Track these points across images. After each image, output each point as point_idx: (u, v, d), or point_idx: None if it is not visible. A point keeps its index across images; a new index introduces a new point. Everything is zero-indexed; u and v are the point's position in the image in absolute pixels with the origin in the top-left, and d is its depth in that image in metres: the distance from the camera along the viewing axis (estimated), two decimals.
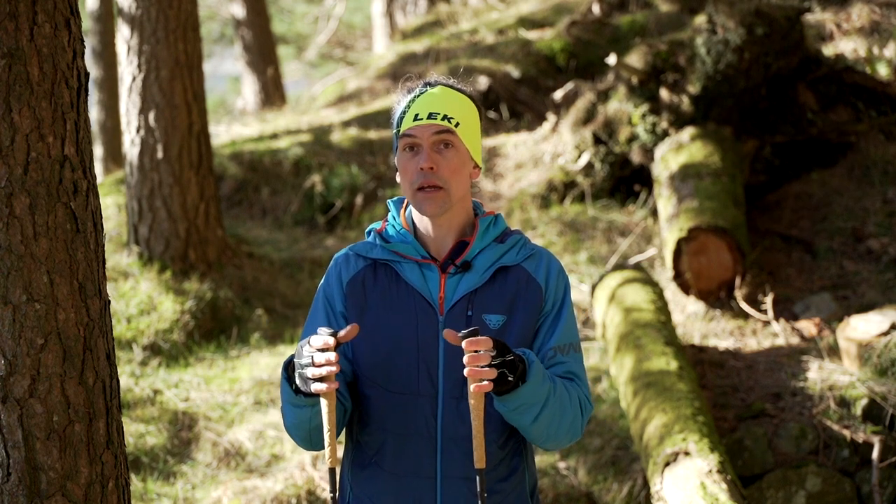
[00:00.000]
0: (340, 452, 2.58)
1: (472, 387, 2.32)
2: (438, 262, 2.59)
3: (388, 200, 2.70)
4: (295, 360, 2.41)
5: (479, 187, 8.81)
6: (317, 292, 2.68)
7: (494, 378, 2.32)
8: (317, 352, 2.34)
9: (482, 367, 2.31)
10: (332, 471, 2.40)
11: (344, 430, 2.68)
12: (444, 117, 2.54)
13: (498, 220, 2.65)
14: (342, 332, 2.35)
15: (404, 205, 2.68)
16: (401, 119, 2.59)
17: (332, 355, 2.33)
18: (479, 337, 2.31)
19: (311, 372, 2.34)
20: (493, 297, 2.56)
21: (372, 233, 2.66)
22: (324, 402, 2.39)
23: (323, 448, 2.51)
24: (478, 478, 2.38)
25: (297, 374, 2.40)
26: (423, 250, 2.59)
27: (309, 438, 2.55)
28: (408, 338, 2.54)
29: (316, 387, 2.34)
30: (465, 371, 2.32)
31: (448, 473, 2.54)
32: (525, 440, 2.66)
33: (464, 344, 2.31)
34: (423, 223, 2.60)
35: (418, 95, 2.59)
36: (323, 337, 2.34)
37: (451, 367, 2.52)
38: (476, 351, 2.31)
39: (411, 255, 2.58)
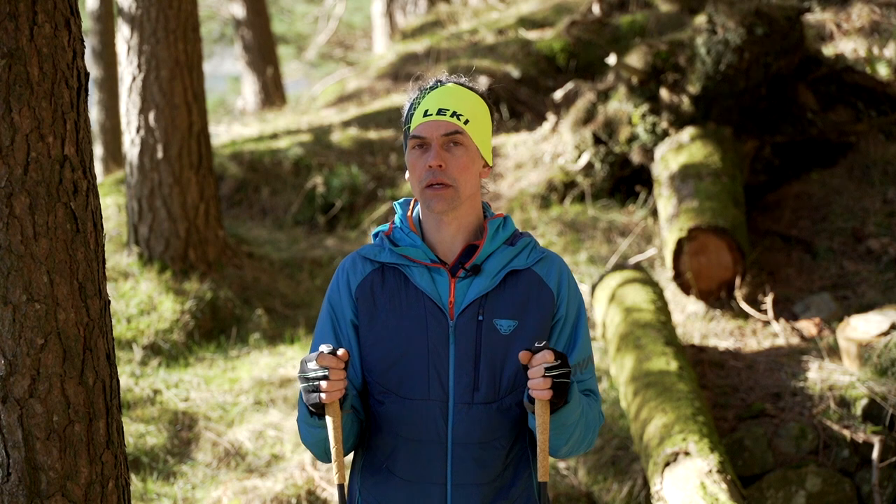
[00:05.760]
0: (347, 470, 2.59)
1: (533, 394, 2.37)
2: (448, 266, 2.56)
3: (395, 202, 2.67)
4: (299, 374, 2.42)
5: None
6: (324, 300, 2.66)
7: (553, 388, 2.36)
8: (323, 367, 2.37)
9: (541, 377, 2.36)
10: (340, 486, 2.42)
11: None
12: (454, 114, 2.52)
13: (507, 222, 2.61)
14: (340, 352, 2.37)
15: (411, 206, 2.66)
16: (410, 115, 2.58)
17: (341, 372, 2.37)
18: (542, 353, 2.36)
19: (323, 384, 2.37)
20: (504, 302, 2.54)
21: (379, 235, 2.63)
22: (329, 419, 2.40)
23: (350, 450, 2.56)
24: (540, 490, 2.43)
25: (301, 388, 2.42)
26: (433, 254, 2.56)
27: (328, 454, 2.56)
28: (418, 343, 2.52)
29: (323, 397, 2.37)
30: (529, 382, 2.37)
31: (458, 480, 2.53)
32: (531, 444, 2.65)
33: (531, 364, 2.37)
34: (432, 224, 2.58)
35: (429, 92, 2.57)
36: (333, 357, 2.37)
37: (462, 372, 2.52)
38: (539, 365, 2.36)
39: (420, 259, 2.55)
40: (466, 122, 2.53)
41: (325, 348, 2.37)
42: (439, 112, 2.52)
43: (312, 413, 2.44)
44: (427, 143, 2.53)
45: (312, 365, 2.39)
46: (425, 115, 2.53)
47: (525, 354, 2.36)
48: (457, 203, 2.52)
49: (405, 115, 2.62)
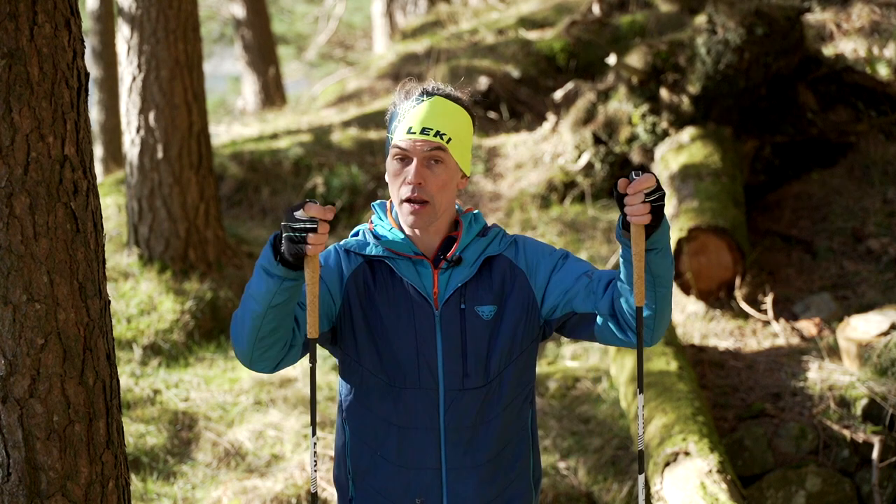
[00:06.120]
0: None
1: (631, 220, 2.38)
2: (430, 258, 2.63)
3: (373, 203, 2.73)
4: (285, 223, 2.34)
5: (480, 187, 8.84)
6: None
7: (651, 212, 2.37)
8: (311, 218, 2.30)
9: (638, 204, 2.36)
10: (312, 341, 2.43)
11: (340, 427, 2.70)
12: (437, 133, 2.56)
13: (477, 216, 2.71)
14: (328, 206, 2.32)
15: (388, 206, 2.71)
16: (395, 126, 2.61)
17: (327, 225, 2.32)
18: (642, 177, 2.35)
19: (311, 236, 2.30)
20: (482, 289, 2.62)
21: (362, 232, 2.69)
22: (308, 272, 2.36)
23: (266, 359, 2.49)
24: (636, 315, 2.48)
25: (285, 237, 2.33)
26: (415, 247, 2.63)
27: (259, 322, 2.43)
28: (407, 333, 2.58)
29: (308, 248, 2.31)
30: (627, 212, 2.37)
31: (452, 464, 2.59)
32: (531, 430, 2.70)
33: (628, 190, 2.36)
34: (410, 230, 2.63)
35: (414, 105, 2.60)
36: (321, 207, 2.31)
37: (450, 360, 2.58)
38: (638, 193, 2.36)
39: (405, 252, 2.61)
40: (449, 140, 2.58)
41: (310, 203, 2.31)
42: (423, 131, 2.56)
43: (290, 265, 2.37)
44: (409, 156, 2.57)
45: (300, 214, 2.32)
46: (409, 131, 2.57)
47: (623, 182, 2.37)
48: (433, 220, 2.59)
49: (389, 119, 2.65)
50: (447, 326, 2.58)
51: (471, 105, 2.68)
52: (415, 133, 2.56)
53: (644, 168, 2.30)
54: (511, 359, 2.62)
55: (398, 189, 2.58)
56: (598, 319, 2.60)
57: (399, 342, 2.58)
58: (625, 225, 2.44)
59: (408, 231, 2.64)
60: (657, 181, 2.37)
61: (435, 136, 2.56)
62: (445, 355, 2.58)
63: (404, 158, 2.58)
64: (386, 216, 2.68)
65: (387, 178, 2.63)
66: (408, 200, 2.56)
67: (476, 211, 2.72)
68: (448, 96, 2.63)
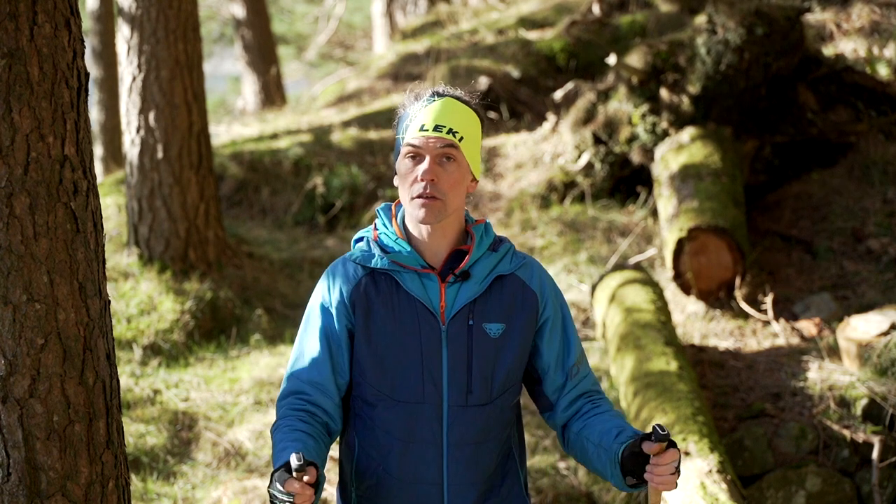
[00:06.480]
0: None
1: (659, 487, 2.44)
2: (437, 271, 2.59)
3: (377, 208, 2.71)
4: (269, 486, 2.32)
5: (480, 187, 8.83)
6: (311, 305, 2.65)
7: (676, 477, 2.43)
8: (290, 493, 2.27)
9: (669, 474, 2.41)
10: None
11: (344, 441, 2.69)
12: (450, 131, 2.55)
13: (488, 228, 2.68)
14: (306, 478, 2.27)
15: (393, 211, 2.68)
16: (406, 126, 2.60)
17: (306, 496, 2.27)
18: (672, 452, 2.40)
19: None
20: (492, 306, 2.59)
21: (366, 241, 2.66)
22: None
23: None
24: None
25: (270, 496, 2.33)
26: (422, 259, 2.60)
27: None
28: (411, 347, 2.55)
29: None
30: (651, 477, 2.41)
31: (454, 480, 2.57)
32: (517, 442, 2.71)
33: (659, 461, 2.41)
34: (418, 230, 2.61)
35: (426, 105, 2.59)
36: (301, 486, 2.26)
37: (455, 375, 2.56)
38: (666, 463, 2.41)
39: (411, 265, 2.58)
40: (461, 139, 2.56)
41: (294, 460, 2.26)
42: (436, 128, 2.55)
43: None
44: (421, 154, 2.55)
45: (280, 486, 2.28)
46: (422, 129, 2.55)
47: (655, 447, 2.40)
48: (443, 216, 2.56)
49: (399, 121, 2.64)
50: (454, 342, 2.55)
51: (479, 109, 2.67)
52: (428, 130, 2.54)
53: (661, 428, 2.44)
54: (517, 377, 2.62)
55: (409, 186, 2.56)
56: (549, 414, 2.68)
57: (403, 355, 2.55)
58: (624, 466, 2.48)
59: (413, 230, 2.61)
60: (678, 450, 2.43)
61: (448, 133, 2.54)
62: (451, 370, 2.55)
63: (416, 156, 2.56)
64: (390, 223, 2.65)
65: (396, 181, 2.61)
66: (419, 197, 2.54)
67: (486, 220, 2.69)
68: (459, 98, 2.63)
